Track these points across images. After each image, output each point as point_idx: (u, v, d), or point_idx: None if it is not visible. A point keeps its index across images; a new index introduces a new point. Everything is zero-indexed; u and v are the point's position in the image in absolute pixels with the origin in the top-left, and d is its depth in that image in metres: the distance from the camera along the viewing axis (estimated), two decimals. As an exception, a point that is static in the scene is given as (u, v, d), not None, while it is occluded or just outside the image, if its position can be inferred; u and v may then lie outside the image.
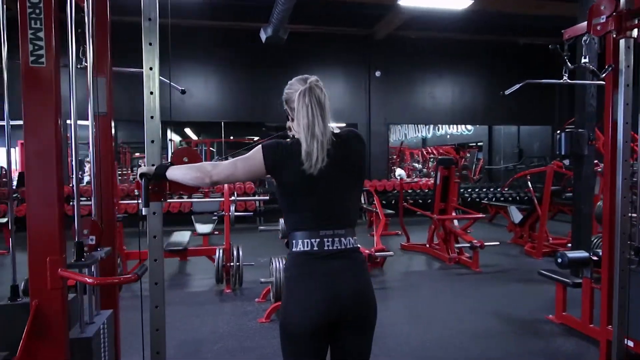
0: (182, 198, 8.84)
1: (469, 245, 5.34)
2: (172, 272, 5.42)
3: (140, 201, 1.67)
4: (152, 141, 1.83)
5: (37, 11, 1.39)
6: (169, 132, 15.32)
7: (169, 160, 1.79)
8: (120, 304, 2.25)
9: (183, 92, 2.97)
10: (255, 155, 1.54)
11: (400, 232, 7.10)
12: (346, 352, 1.56)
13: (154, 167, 1.69)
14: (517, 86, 3.45)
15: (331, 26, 9.71)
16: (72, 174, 1.86)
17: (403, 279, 5.14)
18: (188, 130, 18.82)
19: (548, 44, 3.27)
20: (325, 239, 1.50)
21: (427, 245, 6.31)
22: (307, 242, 1.50)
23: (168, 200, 8.62)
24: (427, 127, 18.33)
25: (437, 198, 6.05)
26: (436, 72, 10.68)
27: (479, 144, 15.45)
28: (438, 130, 18.17)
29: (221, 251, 4.47)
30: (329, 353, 1.58)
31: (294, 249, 1.53)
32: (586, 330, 3.29)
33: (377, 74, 10.21)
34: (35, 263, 1.43)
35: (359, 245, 1.60)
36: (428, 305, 4.13)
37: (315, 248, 1.49)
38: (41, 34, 1.39)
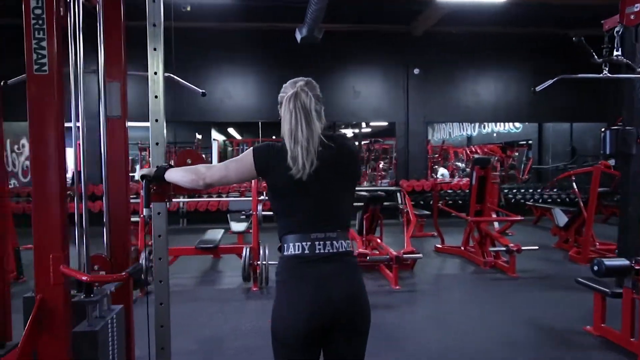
0: (222, 197, 9.10)
1: (504, 248, 5.10)
2: (204, 268, 5.58)
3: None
4: (157, 143, 1.89)
5: (40, 22, 1.47)
6: (213, 131, 15.79)
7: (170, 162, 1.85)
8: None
9: (204, 94, 3.05)
10: (246, 158, 1.55)
11: (435, 234, 6.91)
12: (339, 356, 1.54)
13: (155, 169, 1.74)
14: (550, 82, 3.24)
15: (367, 24, 9.60)
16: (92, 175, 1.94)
17: (433, 282, 4.99)
18: (232, 130, 19.35)
19: (595, 35, 3.04)
20: (317, 242, 1.49)
21: (462, 248, 6.10)
22: (299, 245, 1.49)
23: (206, 199, 8.93)
24: (472, 125, 17.70)
25: (472, 199, 5.83)
26: (478, 67, 10.27)
27: (529, 142, 14.71)
28: (484, 128, 17.50)
29: (248, 249, 4.55)
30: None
31: (285, 253, 1.52)
32: (626, 345, 3.04)
33: (416, 71, 9.99)
34: (39, 260, 1.51)
35: (351, 249, 1.58)
36: (456, 311, 3.99)
37: (307, 251, 1.48)
38: (44, 44, 1.47)
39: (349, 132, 17.60)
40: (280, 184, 1.50)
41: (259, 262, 4.52)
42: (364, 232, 5.59)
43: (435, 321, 3.71)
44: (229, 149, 17.21)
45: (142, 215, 4.57)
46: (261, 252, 4.53)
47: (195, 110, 9.28)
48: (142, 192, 1.76)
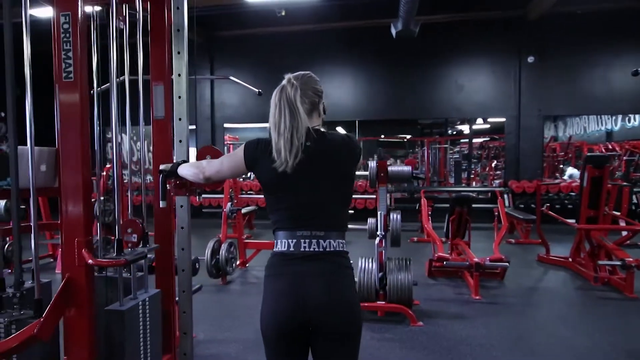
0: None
1: (619, 263, 4.29)
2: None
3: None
4: (180, 141, 2.03)
5: (67, 35, 1.68)
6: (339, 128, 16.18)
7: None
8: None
9: (260, 93, 3.16)
10: (238, 153, 1.58)
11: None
12: None
13: (172, 164, 1.87)
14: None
15: (471, 12, 8.93)
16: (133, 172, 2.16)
17: (524, 295, 4.43)
18: (340, 129, 19.71)
19: None
20: (302, 240, 1.45)
21: (570, 260, 5.30)
22: (285, 242, 1.48)
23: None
24: (613, 118, 15.21)
25: (583, 203, 5.01)
26: (611, 51, 8.80)
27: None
28: (629, 121, 14.92)
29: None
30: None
31: (274, 249, 1.52)
32: None
33: (530, 59, 8.97)
34: (67, 244, 1.74)
35: (343, 249, 1.50)
36: (541, 331, 3.49)
37: (292, 249, 1.46)
38: (70, 54, 1.68)
39: (465, 129, 16.57)
40: (266, 178, 1.50)
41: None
42: (450, 235, 5.23)
43: (511, 340, 3.29)
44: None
45: (224, 210, 4.93)
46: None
47: None
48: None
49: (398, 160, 13.19)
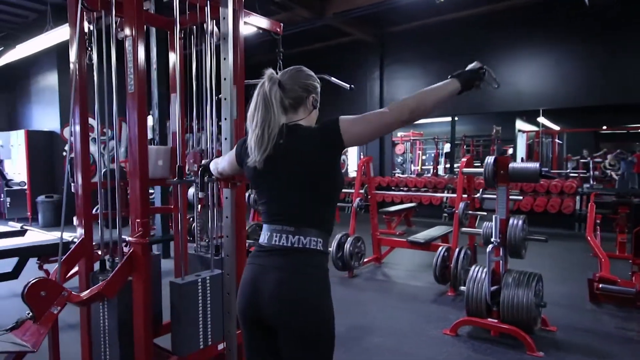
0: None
1: None
2: (419, 262, 5.49)
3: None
4: (226, 138, 2.23)
5: (130, 56, 2.08)
6: (518, 122, 14.41)
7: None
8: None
9: (351, 88, 3.12)
10: (234, 150, 1.69)
11: None
12: (283, 357, 1.46)
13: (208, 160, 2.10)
14: None
15: None
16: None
17: None
18: (542, 119, 17.08)
19: None
20: (275, 234, 1.47)
21: None
22: (263, 235, 1.53)
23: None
24: None
25: None
26: None
27: None
28: None
29: (444, 250, 4.21)
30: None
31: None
32: None
33: None
34: (132, 224, 2.15)
35: (316, 248, 1.44)
36: None
37: (265, 242, 1.50)
38: (131, 70, 2.08)
39: None
40: (247, 174, 1.57)
41: (451, 265, 4.12)
42: (634, 251, 4.06)
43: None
44: (545, 140, 15.29)
45: (353, 206, 5.01)
46: (456, 254, 4.11)
47: (495, 101, 8.87)
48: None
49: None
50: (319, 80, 1.61)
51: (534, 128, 13.50)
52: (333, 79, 3.27)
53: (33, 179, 9.10)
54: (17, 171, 9.39)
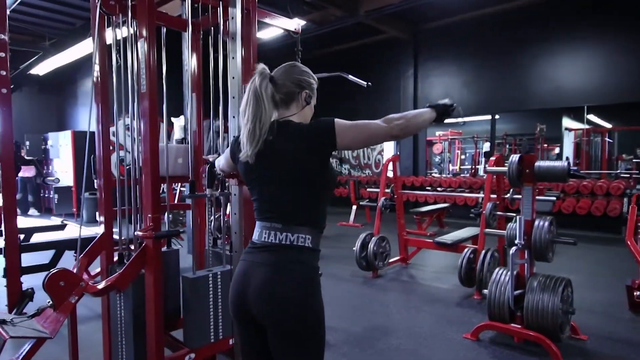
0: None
1: None
2: (445, 263, 5.35)
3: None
4: (234, 136, 2.26)
5: (143, 58, 2.15)
6: (565, 119, 13.69)
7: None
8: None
9: (368, 86, 3.08)
10: (229, 148, 1.72)
11: None
12: (272, 353, 1.47)
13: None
14: None
15: None
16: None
17: None
18: (593, 117, 16.14)
19: None
20: (264, 231, 1.49)
21: None
22: (255, 232, 1.54)
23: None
24: None
25: None
26: None
27: None
28: None
29: (469, 251, 4.07)
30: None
31: None
32: None
33: None
34: (145, 219, 2.23)
35: (304, 245, 1.44)
36: None
37: (256, 238, 1.52)
38: (143, 71, 2.15)
39: None
40: (240, 169, 1.59)
41: (477, 266, 3.97)
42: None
43: None
44: (595, 139, 14.45)
45: (378, 205, 4.94)
46: (482, 257, 3.96)
47: (535, 97, 8.53)
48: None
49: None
50: (315, 77, 1.60)
51: (583, 126, 12.76)
52: (350, 76, 3.25)
53: (78, 177, 9.63)
54: (65, 170, 9.97)
